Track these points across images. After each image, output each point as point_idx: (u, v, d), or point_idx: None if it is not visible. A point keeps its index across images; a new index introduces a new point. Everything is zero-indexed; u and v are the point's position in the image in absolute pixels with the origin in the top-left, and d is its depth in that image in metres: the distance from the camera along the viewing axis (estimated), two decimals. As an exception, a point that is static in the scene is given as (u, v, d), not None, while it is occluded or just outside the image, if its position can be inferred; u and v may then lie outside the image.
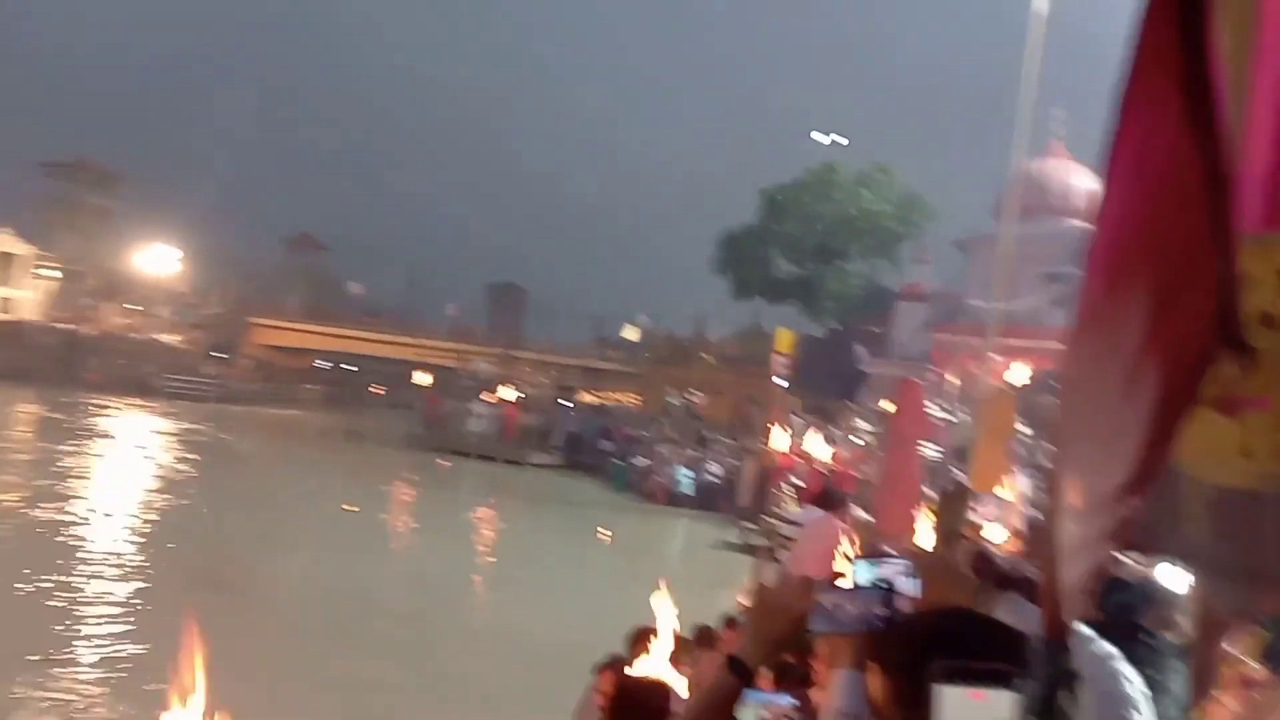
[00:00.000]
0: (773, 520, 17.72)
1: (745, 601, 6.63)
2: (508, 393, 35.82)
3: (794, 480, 20.72)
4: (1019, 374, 27.61)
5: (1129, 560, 4.60)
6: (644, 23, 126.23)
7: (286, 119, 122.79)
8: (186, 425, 31.38)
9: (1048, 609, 1.88)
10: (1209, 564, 2.82)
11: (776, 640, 1.61)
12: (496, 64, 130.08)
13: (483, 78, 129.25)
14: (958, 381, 27.37)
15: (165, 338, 51.14)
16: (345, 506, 16.19)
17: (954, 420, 23.25)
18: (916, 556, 2.04)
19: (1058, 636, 1.89)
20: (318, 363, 56.66)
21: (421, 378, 39.62)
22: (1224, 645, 2.81)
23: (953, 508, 2.25)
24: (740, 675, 1.58)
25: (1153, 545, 3.30)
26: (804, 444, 24.07)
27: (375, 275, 76.33)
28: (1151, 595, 3.62)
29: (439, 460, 29.06)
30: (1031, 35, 18.73)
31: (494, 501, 23.59)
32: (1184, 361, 2.28)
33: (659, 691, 2.82)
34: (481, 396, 35.70)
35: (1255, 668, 2.86)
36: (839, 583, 1.88)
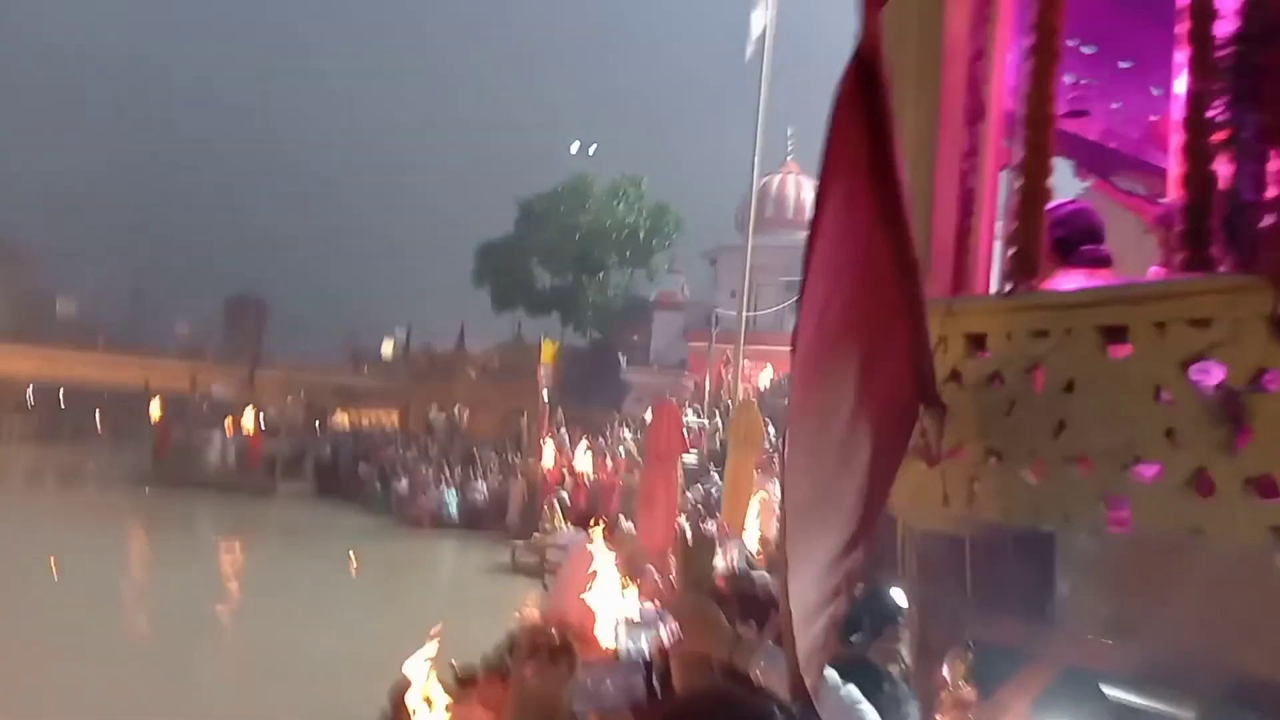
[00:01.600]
0: (540, 538, 17.74)
1: (510, 639, 6.52)
2: (250, 417, 33.30)
3: (562, 495, 20.86)
4: (765, 379, 29.44)
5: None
6: (402, 26, 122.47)
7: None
8: None
9: (790, 671, 1.95)
10: (920, 598, 3.08)
11: None
12: (238, 54, 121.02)
13: (224, 68, 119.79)
14: (712, 387, 28.72)
15: None
16: (51, 564, 14.22)
17: (709, 426, 24.36)
18: (671, 605, 2.04)
19: (802, 694, 1.96)
20: (25, 393, 50.00)
21: (150, 404, 35.95)
22: (939, 672, 3.08)
23: (698, 557, 2.30)
24: None
25: (873, 580, 3.56)
26: (570, 458, 24.32)
27: (91, 289, 68.58)
28: (893, 611, 3.92)
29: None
30: (765, 55, 19.98)
31: (238, 538, 21.82)
32: (890, 420, 2.45)
33: None
34: (221, 423, 32.95)
35: (966, 689, 3.16)
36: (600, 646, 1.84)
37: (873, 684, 2.06)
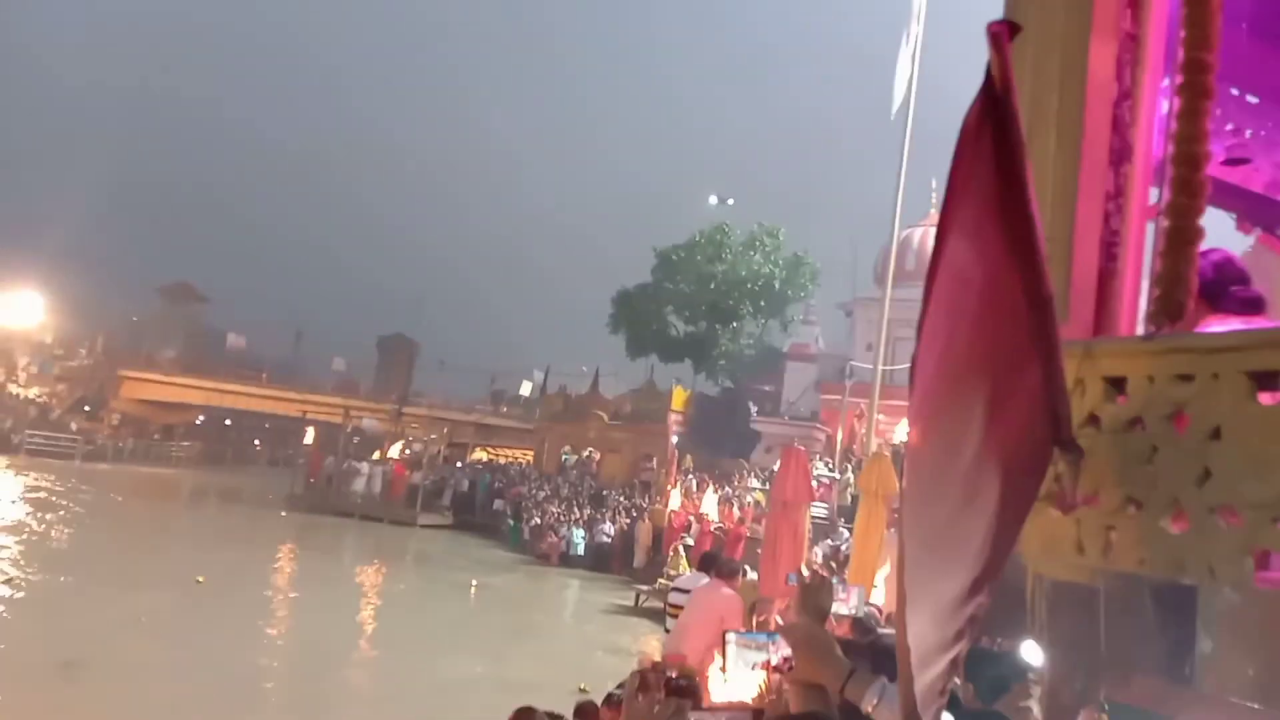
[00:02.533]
0: (665, 583, 17.71)
1: (631, 678, 6.55)
2: (396, 450, 34.86)
3: (687, 541, 20.80)
4: (901, 433, 28.59)
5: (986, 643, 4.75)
6: (547, 81, 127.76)
7: (167, 165, 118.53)
8: (49, 486, 29.39)
9: (905, 710, 1.92)
10: (1052, 652, 2.95)
11: None
12: (391, 114, 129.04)
13: (377, 127, 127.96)
14: (844, 440, 28.11)
15: (26, 390, 48.04)
16: (198, 579, 15.23)
17: (840, 479, 23.81)
18: (785, 630, 2.04)
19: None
20: (195, 420, 54.05)
21: (305, 434, 38.20)
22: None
23: (815, 596, 2.27)
24: None
25: (1003, 631, 3.42)
26: (697, 503, 24.26)
27: (258, 327, 73.71)
28: (1015, 673, 3.75)
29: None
30: (908, 112, 19.78)
31: (380, 563, 22.81)
32: (1020, 462, 2.39)
33: None
34: (369, 455, 34.61)
35: (1099, 750, 2.99)
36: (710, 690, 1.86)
37: None
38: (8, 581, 14.12)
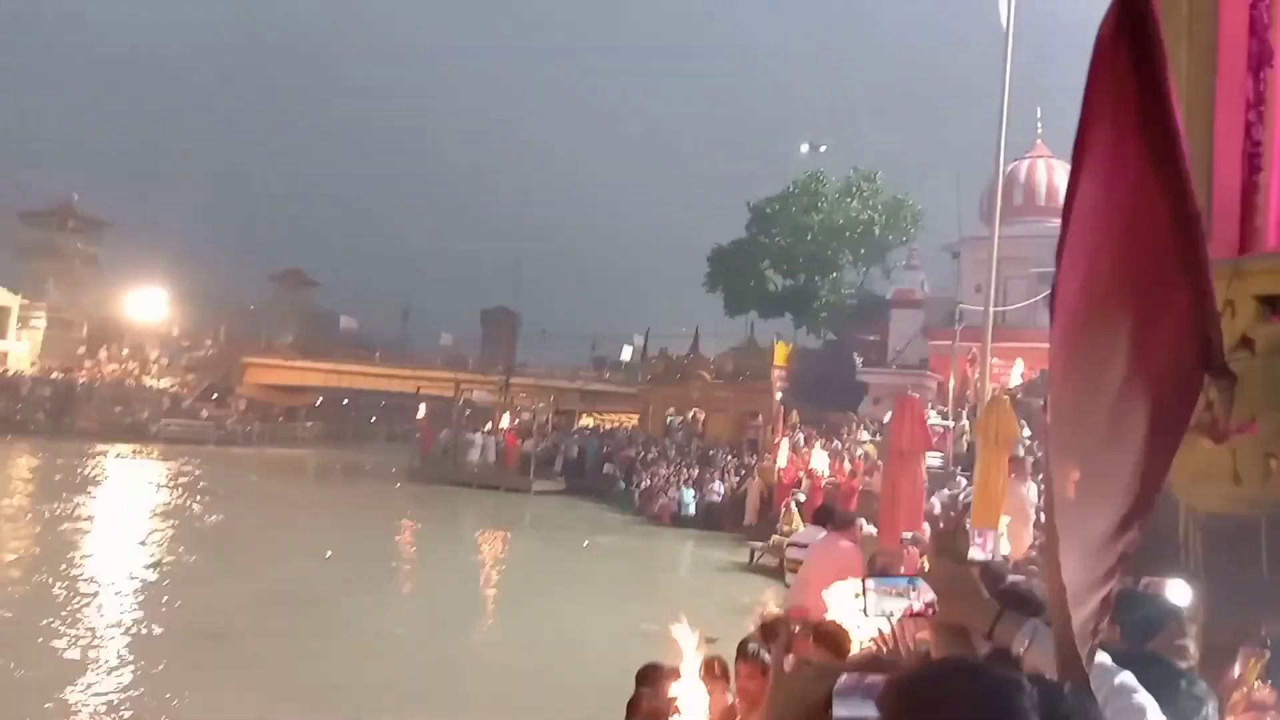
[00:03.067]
0: (779, 539, 17.70)
1: (755, 630, 6.58)
2: (507, 420, 35.73)
3: (799, 496, 20.70)
4: (1016, 376, 27.66)
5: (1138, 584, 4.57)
6: (628, 46, 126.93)
7: (270, 154, 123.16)
8: (187, 470, 31.32)
9: (1060, 651, 1.86)
10: (1209, 588, 2.82)
11: None
12: (482, 89, 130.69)
13: (468, 102, 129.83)
14: (957, 387, 27.37)
15: (159, 381, 51.10)
16: (327, 554, 16.00)
17: (954, 427, 23.22)
18: (928, 575, 1.98)
19: (1073, 675, 1.86)
20: (315, 401, 56.52)
21: (418, 409, 39.55)
22: (1231, 670, 2.80)
23: (951, 542, 2.23)
24: None
25: (1152, 569, 3.28)
26: (806, 459, 24.07)
27: (367, 308, 76.41)
28: (1164, 615, 3.61)
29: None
30: (1008, 35, 18.87)
31: (501, 529, 23.59)
32: (1168, 392, 2.27)
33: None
34: (481, 425, 35.59)
35: (1263, 690, 2.85)
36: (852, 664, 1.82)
37: (1164, 679, 1.88)
38: (158, 564, 15.15)
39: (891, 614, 1.98)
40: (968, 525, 8.32)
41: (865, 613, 1.88)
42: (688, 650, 2.91)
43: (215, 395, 50.79)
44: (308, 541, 17.61)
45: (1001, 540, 9.71)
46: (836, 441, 27.38)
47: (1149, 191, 2.03)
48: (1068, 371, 2.12)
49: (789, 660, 1.69)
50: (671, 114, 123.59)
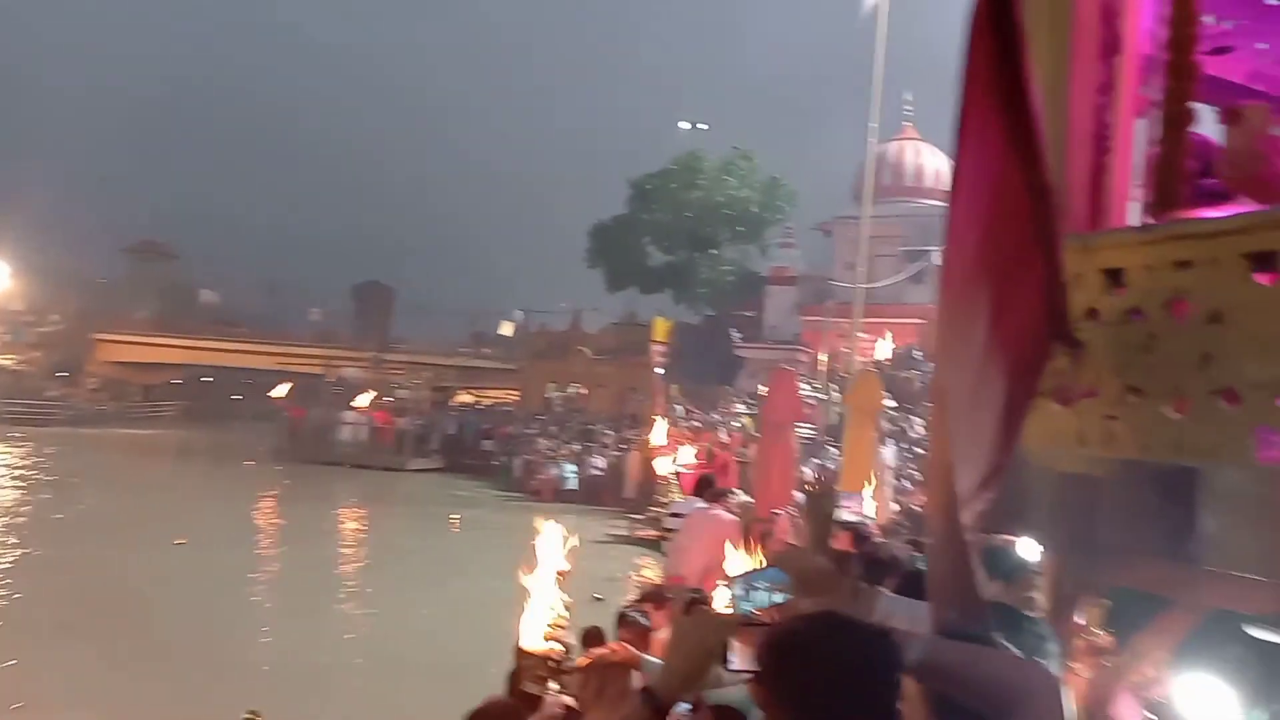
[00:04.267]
0: (658, 511, 17.96)
1: (646, 606, 6.67)
2: (380, 397, 34.78)
3: (677, 469, 21.02)
4: (884, 350, 28.83)
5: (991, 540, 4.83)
6: (512, 23, 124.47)
7: (124, 120, 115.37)
8: (30, 453, 29.21)
9: (935, 605, 1.95)
10: (1055, 543, 3.02)
11: (690, 673, 1.58)
12: (353, 58, 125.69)
13: (339, 71, 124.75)
14: (828, 360, 28.31)
15: (1, 360, 47.40)
16: (177, 541, 15.20)
17: (825, 399, 24.05)
18: (784, 563, 2.03)
19: (945, 630, 1.96)
20: (174, 379, 53.56)
21: (286, 387, 38.01)
22: (1074, 618, 3.01)
23: (818, 507, 2.32)
24: (655, 710, 1.53)
25: (1006, 526, 3.49)
26: (686, 433, 24.45)
27: (231, 282, 72.55)
28: (1014, 568, 3.84)
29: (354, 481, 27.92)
30: (879, 21, 19.47)
31: (371, 507, 23.03)
32: (1022, 359, 2.42)
33: (510, 714, 2.81)
34: (352, 403, 34.54)
35: (1102, 636, 3.08)
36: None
37: (1012, 624, 2.01)
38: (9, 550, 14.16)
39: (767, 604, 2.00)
40: (835, 490, 8.65)
41: (740, 606, 1.90)
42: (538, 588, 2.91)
43: (63, 373, 47.49)
44: (164, 527, 16.74)
45: (866, 502, 10.14)
46: (715, 414, 27.94)
47: (1010, 169, 2.15)
48: (944, 343, 2.23)
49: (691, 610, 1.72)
50: (554, 90, 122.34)
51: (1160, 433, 2.30)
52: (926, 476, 1.84)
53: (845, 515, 5.61)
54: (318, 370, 37.63)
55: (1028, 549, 3.71)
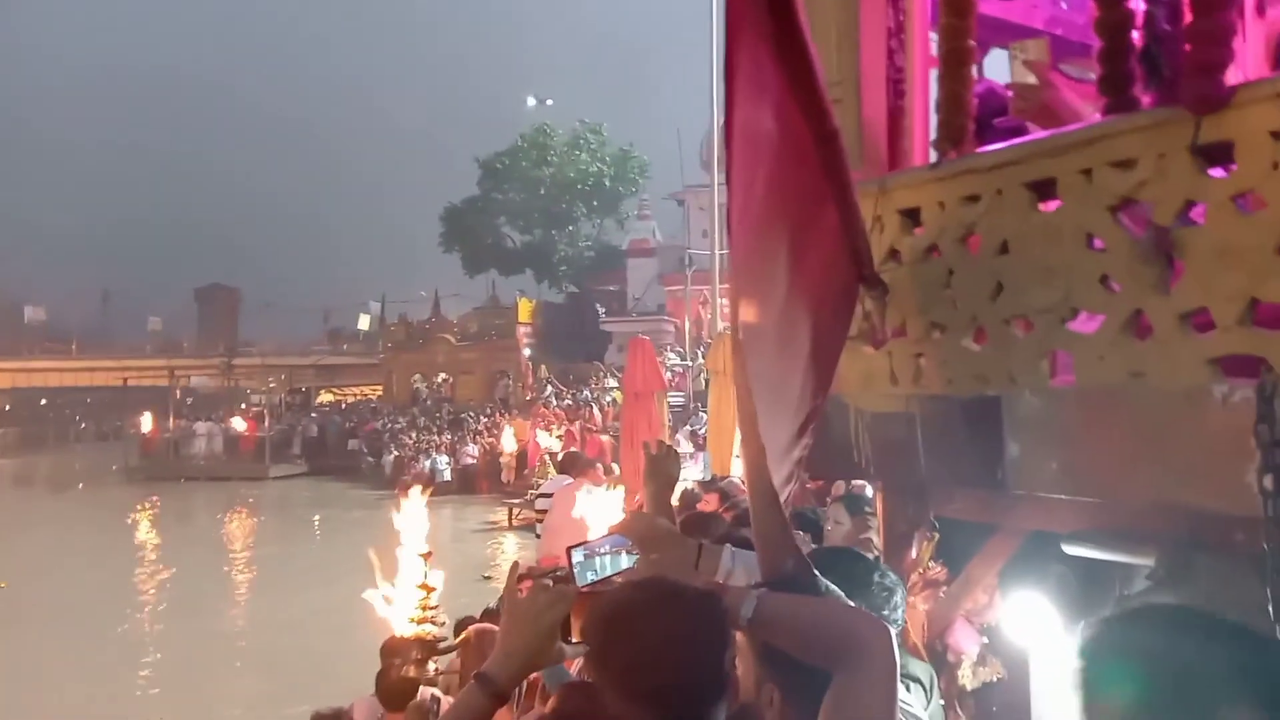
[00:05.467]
0: (532, 494, 17.83)
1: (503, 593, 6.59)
2: (234, 405, 33.15)
3: (552, 449, 20.92)
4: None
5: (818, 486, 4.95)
6: (350, 11, 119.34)
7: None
8: None
9: (762, 558, 1.92)
10: (882, 483, 3.08)
11: (527, 654, 1.50)
12: (190, 45, 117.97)
13: (181, 48, 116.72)
14: (692, 328, 28.72)
15: None
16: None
17: (691, 365, 24.40)
18: (625, 528, 1.98)
19: (774, 578, 1.93)
20: (3, 405, 49.49)
21: (131, 402, 35.72)
22: (909, 554, 3.09)
23: (661, 467, 2.30)
24: (492, 696, 1.45)
25: (831, 471, 3.55)
26: (557, 412, 24.36)
27: (58, 295, 67.43)
28: (853, 515, 3.93)
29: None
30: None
31: (235, 518, 21.95)
32: (827, 304, 2.40)
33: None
34: (206, 414, 32.77)
35: (936, 568, 3.18)
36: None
37: (856, 572, 2.00)
38: None
39: (609, 574, 1.94)
40: (677, 448, 8.75)
41: (581, 576, 1.83)
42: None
43: None
44: (22, 558, 15.52)
45: (736, 464, 10.32)
46: (587, 391, 27.91)
47: (790, 113, 2.12)
48: (741, 292, 2.19)
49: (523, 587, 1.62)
50: (394, 74, 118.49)
51: (963, 365, 2.34)
52: (740, 431, 1.80)
53: (694, 473, 5.66)
54: (163, 382, 35.41)
55: (861, 492, 3.79)
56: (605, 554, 1.87)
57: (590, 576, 1.81)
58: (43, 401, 50.88)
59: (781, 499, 2.18)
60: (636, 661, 1.47)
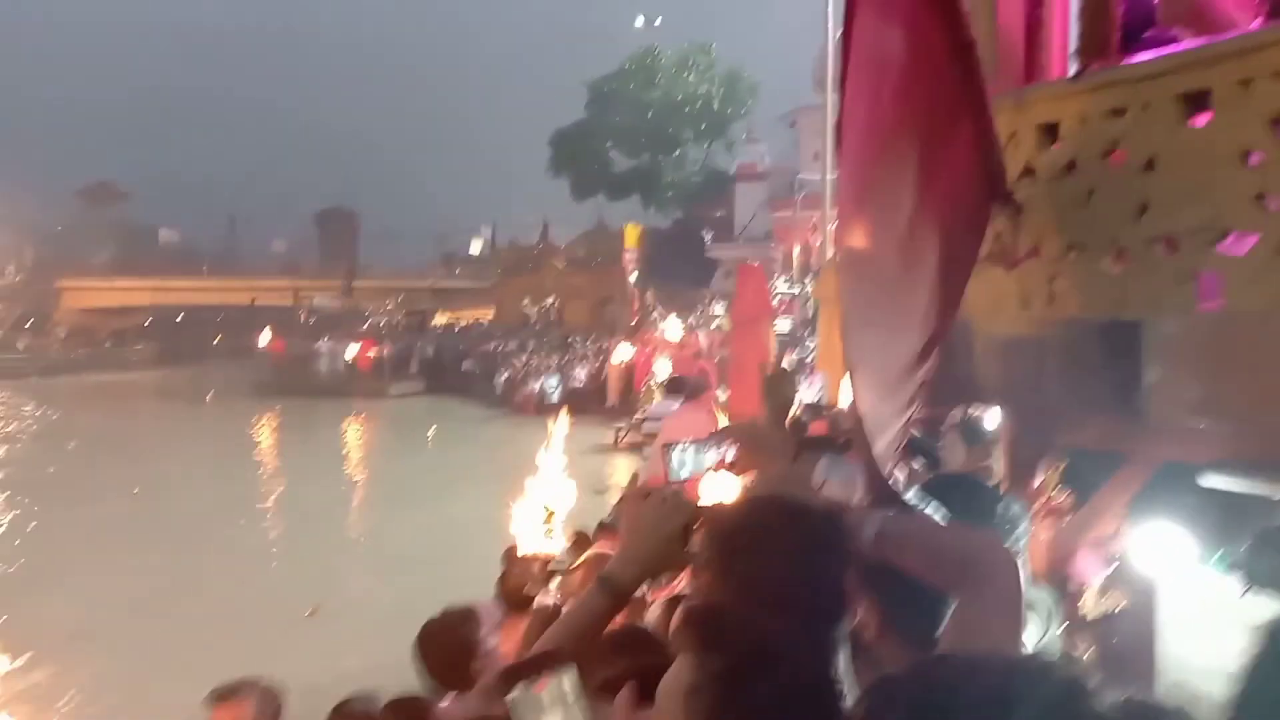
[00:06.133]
0: (639, 417, 18.08)
1: (620, 506, 6.76)
2: (356, 325, 34.58)
3: (657, 375, 21.11)
4: (854, 239, 28.69)
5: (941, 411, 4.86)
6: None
7: (66, 59, 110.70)
8: (7, 407, 28.95)
9: (868, 478, 1.93)
10: (1008, 409, 3.02)
11: (648, 558, 1.54)
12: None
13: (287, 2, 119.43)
14: (801, 254, 28.20)
15: (-37, 316, 46.54)
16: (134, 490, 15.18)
17: (800, 293, 24.04)
18: (729, 430, 2.01)
19: (879, 498, 1.94)
20: (143, 321, 52.83)
21: (259, 321, 37.67)
22: (1032, 482, 3.04)
23: (777, 388, 2.31)
24: (612, 596, 1.51)
25: (955, 396, 3.49)
26: (664, 338, 24.49)
27: (189, 219, 71.05)
28: (974, 441, 3.87)
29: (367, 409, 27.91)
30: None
31: (362, 436, 23.17)
32: (958, 224, 2.35)
33: (466, 619, 2.84)
34: (327, 333, 34.29)
35: (1061, 497, 3.11)
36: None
37: (985, 501, 1.96)
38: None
39: (697, 469, 1.98)
40: (794, 373, 8.72)
41: (676, 472, 1.87)
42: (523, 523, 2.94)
43: (31, 324, 46.72)
44: (162, 469, 16.81)
45: (820, 381, 10.21)
46: (692, 317, 27.92)
47: (923, 21, 2.04)
48: (859, 210, 2.15)
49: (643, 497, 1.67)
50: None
51: (1101, 288, 2.26)
52: (846, 357, 1.78)
53: (809, 395, 5.63)
54: (286, 302, 37.14)
55: (985, 418, 3.72)
56: (701, 451, 1.90)
57: (685, 472, 1.84)
58: (178, 319, 54.06)
59: (902, 420, 2.17)
60: (756, 575, 1.48)
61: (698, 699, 1.02)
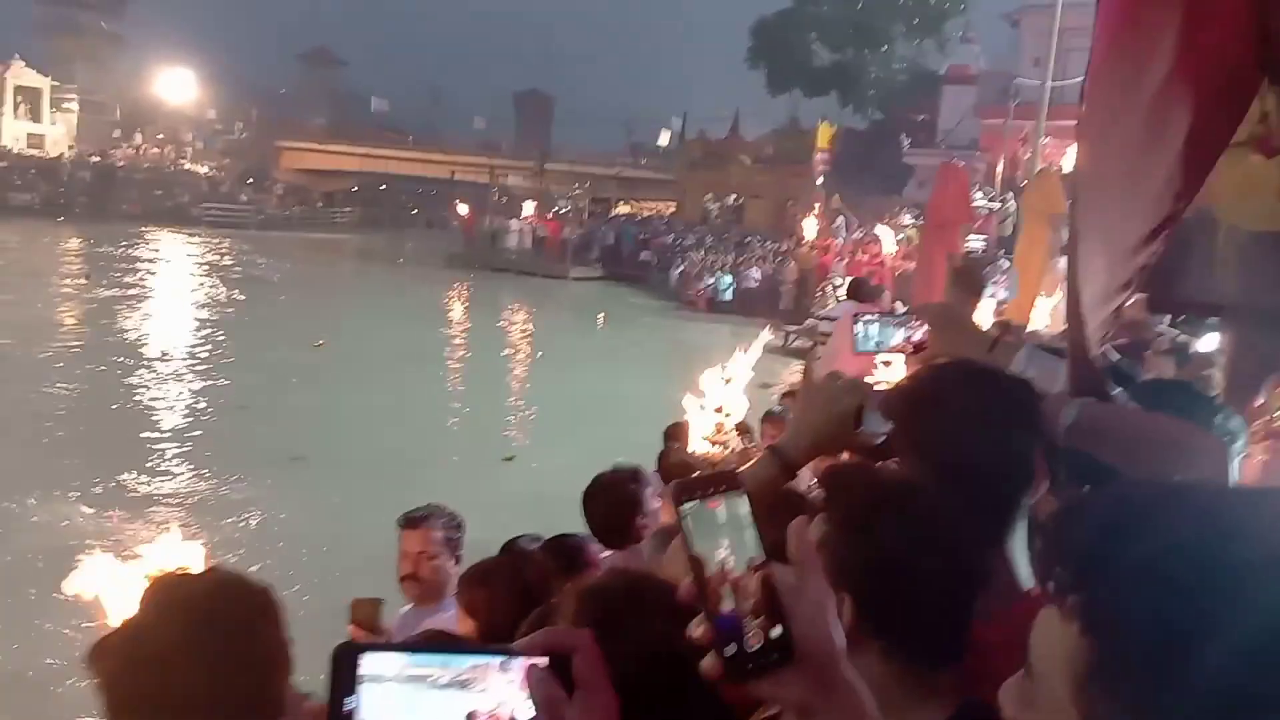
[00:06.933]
0: (814, 321, 17.78)
1: (788, 399, 6.71)
2: (543, 207, 35.49)
3: (836, 281, 20.60)
4: (1071, 156, 26.49)
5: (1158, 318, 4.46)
6: None
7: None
8: (233, 253, 31.91)
9: (1073, 368, 1.78)
10: (1241, 314, 2.69)
11: (819, 434, 1.51)
12: None
13: None
14: (1006, 168, 26.39)
15: (196, 166, 50.97)
16: (316, 343, 16.11)
17: (999, 208, 22.59)
18: (924, 309, 1.92)
19: (1084, 391, 1.79)
20: (351, 186, 56.24)
21: (453, 195, 39.32)
22: (1256, 398, 2.73)
23: (963, 278, 2.15)
24: (781, 467, 1.48)
25: (1181, 297, 3.16)
26: (845, 243, 23.77)
27: (397, 90, 74.10)
28: (1181, 362, 3.54)
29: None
30: None
31: (541, 311, 24.20)
32: (1216, 91, 2.04)
33: (635, 477, 2.92)
34: (515, 212, 35.42)
35: (1286, 418, 2.79)
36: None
37: (1200, 411, 1.75)
38: (209, 341, 15.76)
39: (883, 344, 1.92)
40: (984, 265, 8.24)
41: (862, 344, 1.81)
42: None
43: (252, 180, 50.72)
44: (363, 324, 18.27)
45: (1037, 314, 9.60)
46: (879, 226, 26.88)
47: None
48: (1107, 66, 1.91)
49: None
50: None
51: (1384, 183, 1.94)
52: (1070, 220, 1.61)
53: (1001, 293, 5.31)
54: (481, 179, 38.45)
55: (1209, 340, 3.37)
56: (888, 326, 1.84)
57: (870, 344, 1.79)
58: (383, 187, 57.18)
59: (1116, 303, 1.97)
60: (938, 433, 1.43)
61: (823, 549, 1.02)
